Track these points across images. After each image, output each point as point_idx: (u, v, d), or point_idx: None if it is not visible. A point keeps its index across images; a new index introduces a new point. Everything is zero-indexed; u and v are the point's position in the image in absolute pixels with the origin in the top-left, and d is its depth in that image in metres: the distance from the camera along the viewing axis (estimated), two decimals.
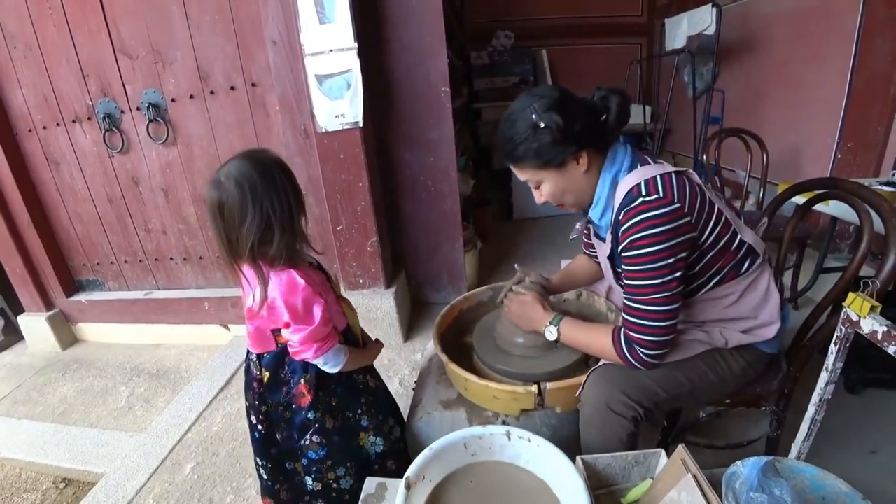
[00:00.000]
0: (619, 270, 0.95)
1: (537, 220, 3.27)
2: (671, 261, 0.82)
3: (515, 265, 1.20)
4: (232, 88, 1.81)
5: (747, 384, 1.02)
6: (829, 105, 2.31)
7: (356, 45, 1.51)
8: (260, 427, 1.01)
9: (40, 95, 2.07)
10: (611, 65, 4.08)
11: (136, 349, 2.39)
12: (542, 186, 0.93)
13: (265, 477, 1.06)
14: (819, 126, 2.40)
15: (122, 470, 1.55)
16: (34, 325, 2.48)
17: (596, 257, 1.24)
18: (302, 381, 0.95)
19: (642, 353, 0.87)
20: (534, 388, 0.94)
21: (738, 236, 0.90)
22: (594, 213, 0.96)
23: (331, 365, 0.93)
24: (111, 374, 2.22)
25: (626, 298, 0.88)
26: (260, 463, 1.05)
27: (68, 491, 1.75)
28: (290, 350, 0.91)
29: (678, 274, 0.83)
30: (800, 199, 1.35)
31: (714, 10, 2.64)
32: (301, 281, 0.87)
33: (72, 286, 2.48)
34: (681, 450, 0.76)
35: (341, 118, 1.58)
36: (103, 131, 2.01)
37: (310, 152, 1.77)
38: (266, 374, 0.97)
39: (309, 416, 0.96)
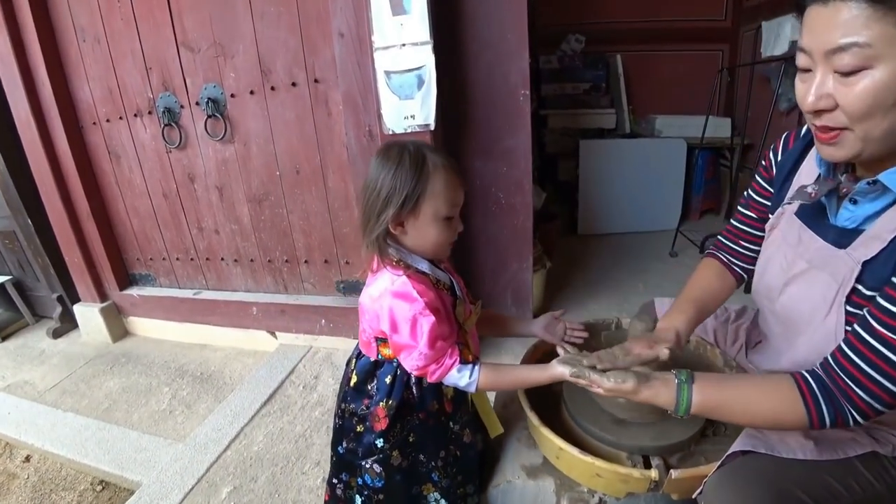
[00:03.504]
0: (859, 288, 0.65)
1: (605, 237, 3.01)
2: None
3: (632, 317, 0.94)
4: (293, 84, 1.70)
5: None
6: None
7: (432, 40, 1.35)
8: (337, 420, 0.94)
9: (105, 88, 2.05)
10: (690, 72, 3.74)
11: (182, 348, 2.35)
12: (865, 74, 0.54)
13: (331, 466, 0.99)
14: None
15: (158, 484, 1.46)
16: (88, 315, 2.49)
17: (752, 252, 0.91)
18: (381, 403, 0.86)
19: (855, 415, 0.61)
20: (654, 474, 0.73)
21: None
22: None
23: (463, 385, 0.82)
24: (156, 373, 2.18)
25: (868, 335, 0.59)
26: (330, 452, 0.98)
27: (104, 495, 1.69)
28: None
29: None
30: None
31: None
32: (413, 291, 0.78)
33: (125, 279, 2.47)
34: None
35: (410, 119, 1.43)
36: (162, 126, 1.96)
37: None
38: (354, 378, 0.90)
39: (377, 442, 0.87)
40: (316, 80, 1.67)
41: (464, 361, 0.81)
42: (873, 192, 0.64)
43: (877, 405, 0.59)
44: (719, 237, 0.97)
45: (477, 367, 0.82)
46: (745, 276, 0.94)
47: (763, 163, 0.87)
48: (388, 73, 1.40)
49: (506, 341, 1.84)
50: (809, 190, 0.70)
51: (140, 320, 2.49)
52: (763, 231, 0.87)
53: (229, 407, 1.73)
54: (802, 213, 0.76)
